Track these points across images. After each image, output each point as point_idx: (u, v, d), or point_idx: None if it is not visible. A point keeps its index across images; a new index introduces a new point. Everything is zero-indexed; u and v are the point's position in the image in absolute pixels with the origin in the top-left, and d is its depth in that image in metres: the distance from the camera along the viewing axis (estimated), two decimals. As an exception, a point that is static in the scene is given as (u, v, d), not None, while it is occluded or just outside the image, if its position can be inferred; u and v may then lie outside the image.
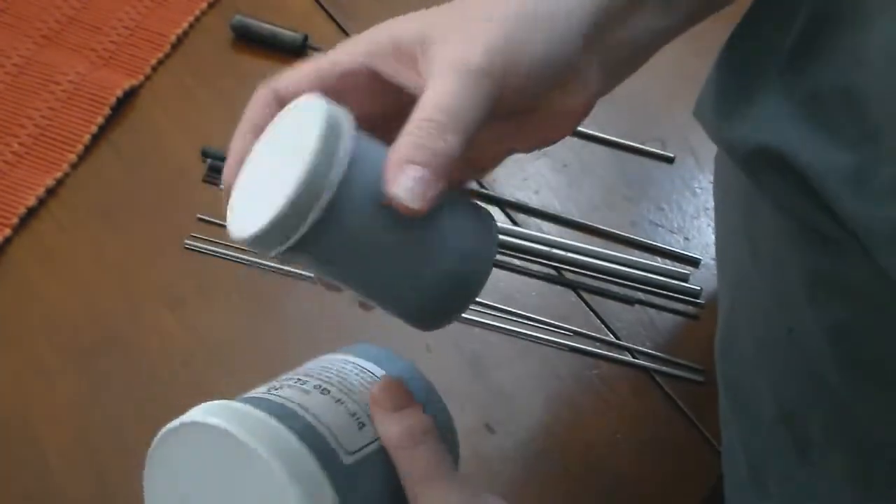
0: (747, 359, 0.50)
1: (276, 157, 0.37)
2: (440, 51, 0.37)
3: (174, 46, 0.79)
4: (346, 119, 0.36)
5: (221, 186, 0.41)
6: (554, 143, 0.42)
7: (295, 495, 0.35)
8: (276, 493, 0.35)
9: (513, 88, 0.37)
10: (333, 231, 0.36)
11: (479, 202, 0.41)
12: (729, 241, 0.52)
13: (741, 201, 0.47)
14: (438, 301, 0.38)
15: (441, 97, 0.36)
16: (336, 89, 0.39)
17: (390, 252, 0.37)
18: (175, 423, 0.37)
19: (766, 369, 0.48)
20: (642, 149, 0.74)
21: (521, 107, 0.39)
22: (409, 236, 0.37)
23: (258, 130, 0.40)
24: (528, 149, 0.43)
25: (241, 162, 0.40)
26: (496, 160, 0.44)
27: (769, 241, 0.44)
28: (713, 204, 0.62)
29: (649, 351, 0.66)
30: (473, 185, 0.72)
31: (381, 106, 0.40)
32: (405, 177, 0.35)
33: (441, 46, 0.37)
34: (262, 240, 0.35)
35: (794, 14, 0.38)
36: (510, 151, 0.43)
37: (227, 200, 0.39)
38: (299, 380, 0.42)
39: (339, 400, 0.41)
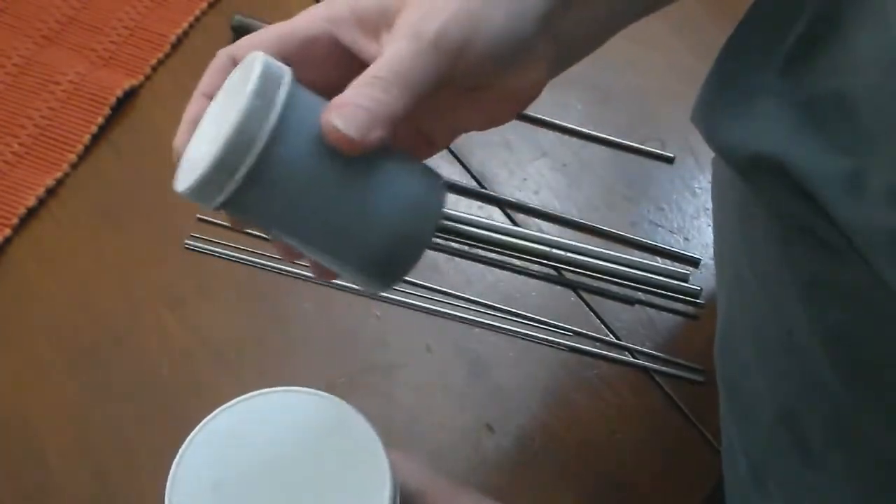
0: (746, 360, 0.50)
1: (220, 114, 0.37)
2: (401, 17, 0.37)
3: (174, 46, 0.79)
4: (286, 71, 0.36)
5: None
6: (501, 123, 0.42)
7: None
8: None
9: (468, 62, 0.37)
10: (273, 176, 0.35)
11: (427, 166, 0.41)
12: (726, 243, 0.52)
13: (738, 204, 0.47)
14: (386, 250, 0.38)
15: (392, 58, 0.36)
16: (295, 55, 0.39)
17: (333, 198, 0.37)
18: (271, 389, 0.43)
19: (765, 370, 0.48)
20: (642, 149, 0.74)
21: (476, 82, 0.39)
22: (352, 181, 0.37)
23: (212, 96, 0.40)
24: (478, 127, 0.43)
25: (192, 126, 0.40)
26: (449, 137, 0.44)
27: (766, 244, 0.44)
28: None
29: (649, 351, 0.66)
30: (473, 185, 0.72)
31: (336, 77, 0.40)
32: (346, 109, 0.35)
33: (404, 13, 0.37)
34: (201, 188, 0.35)
35: (793, 18, 0.38)
36: (463, 129, 0.43)
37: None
38: None
39: None
